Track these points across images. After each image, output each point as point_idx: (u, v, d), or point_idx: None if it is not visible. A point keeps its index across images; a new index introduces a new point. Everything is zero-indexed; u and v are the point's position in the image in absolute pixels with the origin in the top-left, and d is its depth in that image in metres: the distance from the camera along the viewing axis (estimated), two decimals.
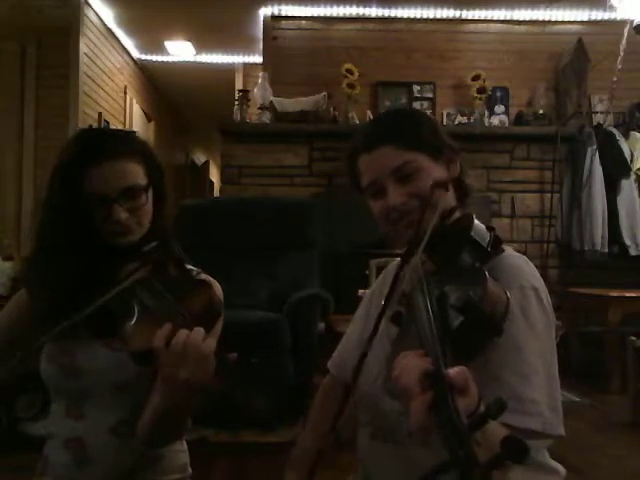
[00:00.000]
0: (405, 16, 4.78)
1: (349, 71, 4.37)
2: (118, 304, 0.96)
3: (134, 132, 1.20)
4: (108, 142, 1.08)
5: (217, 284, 1.15)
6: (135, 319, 0.94)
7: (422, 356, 0.66)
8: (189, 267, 1.16)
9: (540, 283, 0.92)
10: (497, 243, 0.90)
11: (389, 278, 1.11)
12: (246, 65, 5.85)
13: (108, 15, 5.04)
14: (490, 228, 0.90)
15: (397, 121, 1.04)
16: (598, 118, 4.51)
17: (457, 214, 0.98)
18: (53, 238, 1.07)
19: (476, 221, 0.90)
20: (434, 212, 0.93)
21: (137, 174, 1.08)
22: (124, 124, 5.66)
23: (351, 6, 4.71)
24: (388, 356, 0.76)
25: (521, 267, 0.93)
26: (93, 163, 1.04)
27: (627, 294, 3.65)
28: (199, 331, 0.88)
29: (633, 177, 4.23)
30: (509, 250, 0.96)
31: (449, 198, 1.00)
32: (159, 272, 1.02)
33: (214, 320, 1.00)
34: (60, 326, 0.93)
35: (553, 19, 4.76)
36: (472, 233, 0.87)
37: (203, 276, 1.17)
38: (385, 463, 0.97)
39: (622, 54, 3.90)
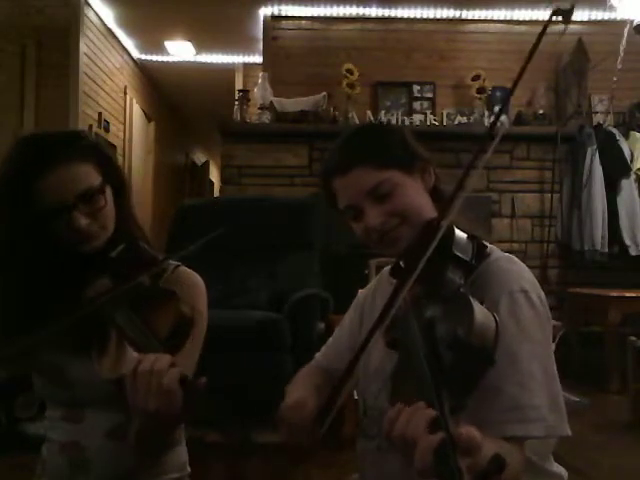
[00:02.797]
0: (405, 16, 4.78)
1: (349, 71, 4.37)
2: (90, 325, 0.93)
3: (79, 131, 1.13)
4: (50, 148, 1.01)
5: (195, 281, 1.10)
6: (106, 342, 0.91)
7: (420, 409, 0.65)
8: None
9: (529, 283, 0.91)
10: (481, 250, 0.88)
11: (383, 290, 1.10)
12: (246, 65, 5.85)
13: (108, 15, 5.04)
14: (472, 237, 0.88)
15: (366, 141, 1.02)
16: (598, 118, 4.51)
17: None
18: (10, 257, 1.02)
19: (457, 232, 0.88)
20: (416, 229, 0.94)
21: (89, 175, 1.01)
22: (124, 124, 5.66)
23: (351, 6, 4.71)
24: (391, 375, 0.76)
25: (508, 270, 0.91)
26: (40, 174, 0.97)
27: (627, 294, 3.65)
28: (164, 359, 0.81)
29: (633, 177, 4.23)
30: (495, 252, 0.95)
31: (429, 208, 1.00)
32: (127, 283, 0.94)
33: (184, 336, 0.92)
34: (25, 341, 0.90)
35: (553, 19, 4.75)
36: (454, 248, 0.84)
37: (181, 270, 1.10)
38: (394, 473, 0.96)
39: (622, 54, 3.90)
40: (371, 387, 1.02)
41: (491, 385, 0.79)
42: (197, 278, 1.12)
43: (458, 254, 0.84)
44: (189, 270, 1.12)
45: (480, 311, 0.73)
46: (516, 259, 0.95)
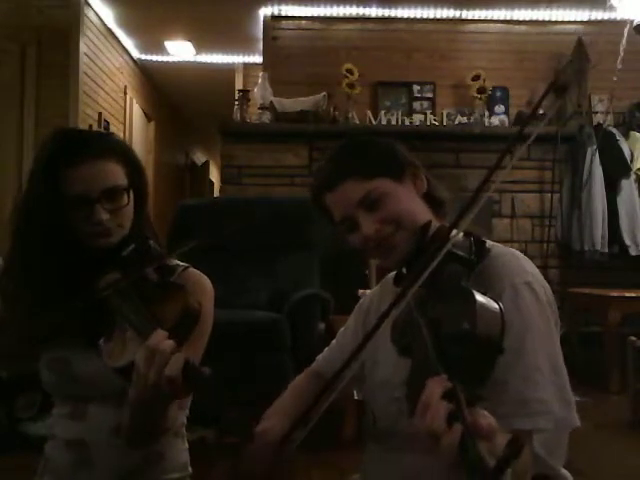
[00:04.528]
0: (405, 16, 4.77)
1: (349, 71, 4.37)
2: (99, 316, 0.94)
3: (112, 133, 1.19)
4: (86, 142, 1.06)
5: (202, 280, 1.13)
6: (114, 333, 0.92)
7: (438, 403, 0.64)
8: (175, 262, 1.14)
9: (533, 276, 0.91)
10: (480, 246, 0.89)
11: (388, 296, 1.10)
12: (246, 65, 5.85)
13: (108, 15, 5.04)
14: (468, 234, 0.89)
15: (351, 154, 1.04)
16: (598, 118, 4.51)
17: (433, 227, 0.98)
18: (31, 241, 1.05)
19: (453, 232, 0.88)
20: (411, 234, 0.96)
21: (117, 174, 1.07)
22: (124, 124, 5.66)
23: (351, 6, 4.70)
24: (405, 381, 0.76)
25: (510, 264, 0.92)
26: (72, 163, 1.02)
27: (627, 294, 3.65)
28: (168, 344, 0.82)
29: (633, 177, 4.23)
30: (496, 248, 0.95)
31: (424, 212, 1.01)
32: (138, 280, 0.98)
33: (191, 327, 0.94)
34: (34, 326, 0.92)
35: (553, 19, 4.76)
36: (450, 246, 0.84)
37: (190, 271, 1.14)
38: (404, 474, 0.96)
39: (622, 54, 3.90)
40: (379, 398, 1.02)
41: (497, 378, 0.79)
42: (205, 280, 1.15)
43: (455, 251, 0.84)
44: (198, 272, 1.15)
45: (483, 301, 0.74)
46: (519, 253, 0.96)
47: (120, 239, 1.07)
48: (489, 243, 0.93)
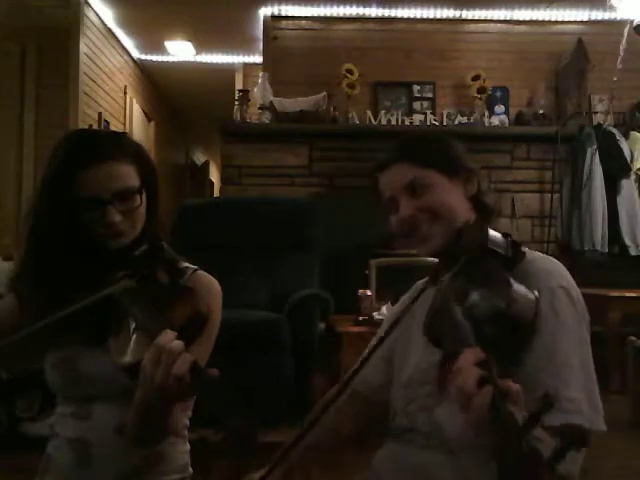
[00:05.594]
0: (405, 16, 4.78)
1: (349, 71, 4.37)
2: (108, 314, 0.95)
3: (125, 133, 1.19)
4: (100, 144, 1.06)
5: (211, 283, 1.14)
6: (122, 332, 0.92)
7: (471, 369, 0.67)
8: (184, 265, 1.14)
9: (569, 281, 0.94)
10: (517, 248, 0.91)
11: (421, 302, 1.11)
12: (246, 65, 5.85)
13: (108, 15, 5.05)
14: (506, 235, 0.91)
15: (411, 141, 1.10)
16: (598, 118, 4.51)
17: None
18: (44, 242, 1.06)
19: (491, 231, 0.91)
20: (447, 229, 0.99)
21: (130, 176, 1.07)
22: (124, 124, 5.66)
23: (351, 6, 4.71)
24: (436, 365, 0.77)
25: (548, 269, 0.94)
26: (85, 165, 1.03)
27: (627, 294, 3.64)
28: (177, 344, 0.82)
29: (633, 177, 4.23)
30: (532, 254, 0.97)
31: (466, 213, 1.04)
32: (148, 281, 0.98)
33: (198, 330, 0.95)
34: (38, 324, 0.91)
35: (553, 19, 4.76)
36: (488, 243, 0.87)
37: (199, 274, 1.15)
38: (421, 468, 0.96)
39: (622, 54, 3.90)
40: (402, 396, 1.04)
41: (529, 375, 0.81)
42: (214, 282, 1.15)
43: (494, 248, 0.88)
44: (207, 275, 1.16)
45: (518, 285, 0.78)
46: (553, 258, 0.99)
47: (132, 240, 1.08)
48: (524, 247, 0.96)
